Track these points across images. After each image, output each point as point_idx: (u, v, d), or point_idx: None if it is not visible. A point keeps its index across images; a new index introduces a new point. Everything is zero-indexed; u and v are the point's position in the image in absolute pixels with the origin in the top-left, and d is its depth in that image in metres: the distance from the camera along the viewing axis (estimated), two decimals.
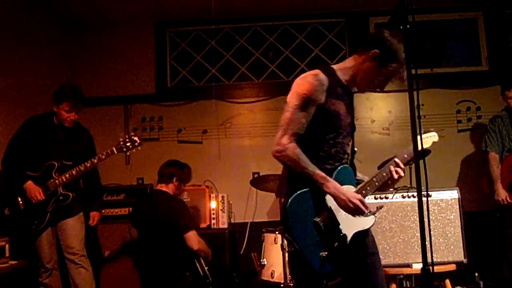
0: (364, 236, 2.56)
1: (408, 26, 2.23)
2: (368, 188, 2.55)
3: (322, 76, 2.47)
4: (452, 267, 4.08)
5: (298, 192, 2.39)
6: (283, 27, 6.01)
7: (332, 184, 2.40)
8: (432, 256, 2.16)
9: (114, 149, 4.09)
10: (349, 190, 2.47)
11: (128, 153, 4.21)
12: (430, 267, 2.11)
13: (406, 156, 2.67)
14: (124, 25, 5.97)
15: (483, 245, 5.00)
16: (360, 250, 2.54)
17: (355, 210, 2.41)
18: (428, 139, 2.92)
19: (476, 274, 5.12)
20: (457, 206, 4.14)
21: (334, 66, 2.61)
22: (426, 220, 2.12)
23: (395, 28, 2.33)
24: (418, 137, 2.24)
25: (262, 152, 5.61)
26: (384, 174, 2.60)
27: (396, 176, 2.59)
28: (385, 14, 5.74)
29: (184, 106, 5.90)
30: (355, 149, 2.70)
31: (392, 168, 2.60)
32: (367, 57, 2.52)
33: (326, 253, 2.37)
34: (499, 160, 4.89)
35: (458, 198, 4.16)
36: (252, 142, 5.77)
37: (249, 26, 6.03)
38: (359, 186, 2.55)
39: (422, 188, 2.18)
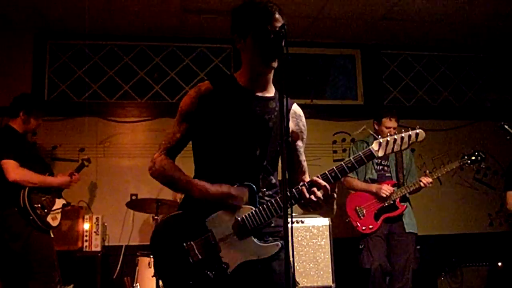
0: (270, 271, 2.16)
1: (282, 57, 2.28)
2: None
3: (205, 86, 2.28)
4: None
5: (174, 213, 2.15)
6: (170, 48, 5.98)
7: (214, 188, 2.10)
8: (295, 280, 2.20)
9: None
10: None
11: None
12: None
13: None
14: (1, 31, 5.63)
15: (350, 270, 5.19)
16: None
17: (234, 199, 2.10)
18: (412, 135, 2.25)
19: None
20: (327, 233, 4.32)
21: (236, 74, 2.39)
22: (290, 245, 2.17)
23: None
24: None
25: (142, 173, 5.44)
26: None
27: (314, 198, 2.09)
28: None
29: (61, 122, 5.63)
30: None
31: (304, 189, 2.12)
32: (240, 49, 2.35)
33: (192, 282, 2.07)
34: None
35: (329, 225, 4.34)
36: (131, 163, 5.61)
37: (135, 44, 5.93)
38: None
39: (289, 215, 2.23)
